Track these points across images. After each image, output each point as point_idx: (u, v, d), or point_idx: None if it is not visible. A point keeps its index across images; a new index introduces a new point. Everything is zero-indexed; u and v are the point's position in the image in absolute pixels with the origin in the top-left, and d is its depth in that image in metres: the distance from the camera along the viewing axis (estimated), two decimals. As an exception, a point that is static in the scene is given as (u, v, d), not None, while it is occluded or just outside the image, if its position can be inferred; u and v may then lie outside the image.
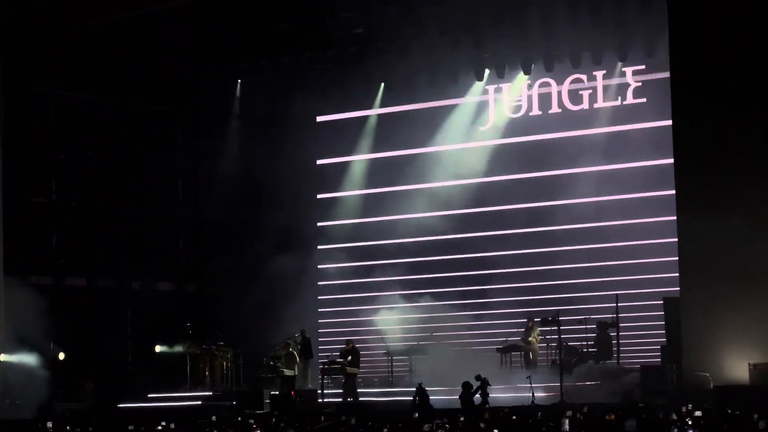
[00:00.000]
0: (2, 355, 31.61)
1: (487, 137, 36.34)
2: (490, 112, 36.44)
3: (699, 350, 27.20)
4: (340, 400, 31.52)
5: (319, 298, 38.36)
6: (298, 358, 32.56)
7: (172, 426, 21.98)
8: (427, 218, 36.46)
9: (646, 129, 33.39)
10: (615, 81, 34.47)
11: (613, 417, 17.55)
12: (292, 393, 29.90)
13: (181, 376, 34.40)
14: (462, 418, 20.52)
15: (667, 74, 29.42)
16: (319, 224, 38.61)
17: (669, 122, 29.13)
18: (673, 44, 28.68)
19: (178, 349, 35.06)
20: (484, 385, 26.78)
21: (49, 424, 21.78)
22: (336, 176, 38.43)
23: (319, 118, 38.31)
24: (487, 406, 26.11)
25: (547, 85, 35.44)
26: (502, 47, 34.05)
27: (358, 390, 32.38)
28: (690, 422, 17.27)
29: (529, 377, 28.59)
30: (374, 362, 35.59)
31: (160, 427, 21.75)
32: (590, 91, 34.91)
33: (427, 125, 36.74)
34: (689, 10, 28.04)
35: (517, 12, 32.12)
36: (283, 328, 34.04)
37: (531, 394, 27.68)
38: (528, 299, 34.48)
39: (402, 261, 36.59)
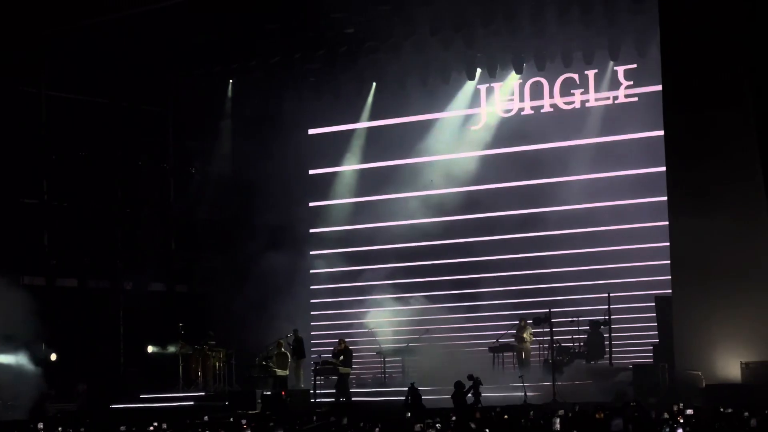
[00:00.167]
0: (-6, 356, 31.61)
1: (479, 137, 36.32)
2: (481, 111, 36.42)
3: (691, 349, 27.18)
4: (333, 399, 31.47)
5: (311, 301, 38.28)
6: (290, 358, 32.54)
7: (164, 426, 21.99)
8: (420, 218, 36.45)
9: (637, 128, 33.33)
10: (607, 80, 34.47)
11: (602, 416, 17.57)
12: (283, 393, 29.86)
13: (173, 377, 34.35)
14: (453, 418, 20.52)
15: (658, 73, 29.37)
16: (311, 229, 38.58)
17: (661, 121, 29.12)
18: (664, 43, 28.67)
19: (171, 349, 35.00)
20: (476, 384, 26.77)
21: (40, 425, 21.76)
22: (327, 177, 38.39)
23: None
24: (480, 405, 26.10)
25: (539, 84, 35.43)
26: (494, 46, 34.06)
27: (351, 390, 32.35)
28: (681, 421, 17.29)
29: (521, 377, 28.60)
30: (367, 362, 35.58)
31: (152, 428, 21.74)
32: (582, 90, 34.90)
33: (419, 125, 36.69)
34: (680, 8, 28.04)
35: (508, 11, 32.08)
36: (275, 328, 34.01)
37: (523, 394, 27.68)
38: (520, 300, 34.48)
39: (395, 265, 36.48)
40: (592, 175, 34.20)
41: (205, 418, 23.29)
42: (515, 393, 28.10)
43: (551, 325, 30.34)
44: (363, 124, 37.84)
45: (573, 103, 35.12)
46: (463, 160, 36.22)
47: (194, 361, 34.51)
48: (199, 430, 21.90)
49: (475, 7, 32.15)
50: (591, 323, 31.85)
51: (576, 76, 34.85)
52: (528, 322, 32.38)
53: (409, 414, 23.32)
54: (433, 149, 36.59)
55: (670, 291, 28.47)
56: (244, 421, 21.67)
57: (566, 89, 35.11)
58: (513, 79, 35.61)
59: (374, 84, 37.08)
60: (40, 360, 32.12)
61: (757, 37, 27.08)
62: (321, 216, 38.48)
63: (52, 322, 32.44)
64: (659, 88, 29.26)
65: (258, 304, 35.13)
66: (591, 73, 34.68)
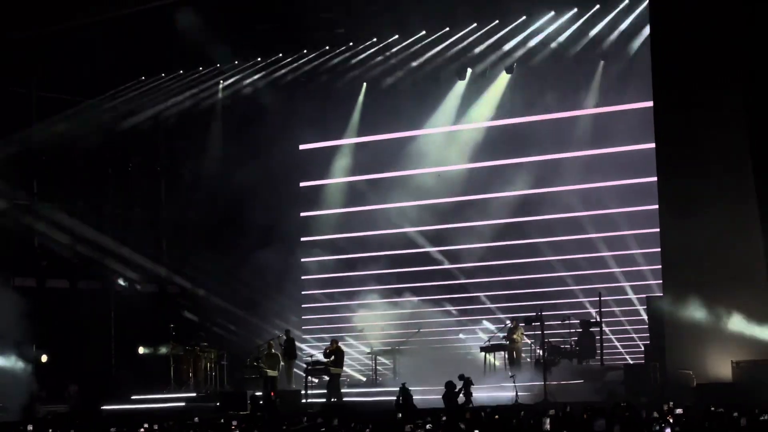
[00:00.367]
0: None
1: (470, 136, 36.29)
2: (472, 110, 36.40)
3: (682, 348, 27.20)
4: (324, 400, 31.43)
5: (303, 306, 38.23)
6: (281, 359, 32.50)
7: (155, 428, 21.93)
8: (411, 218, 36.40)
9: (630, 127, 33.34)
10: (597, 78, 34.48)
11: (586, 416, 17.57)
12: (273, 394, 29.81)
13: (164, 378, 34.30)
14: (444, 418, 20.49)
15: (649, 72, 29.37)
16: (301, 215, 38.43)
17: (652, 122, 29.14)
18: (654, 41, 28.69)
19: (162, 350, 34.96)
20: (467, 384, 26.75)
21: (30, 427, 21.69)
22: (318, 185, 38.36)
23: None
24: (471, 405, 26.08)
25: (530, 83, 35.40)
26: (484, 46, 34.03)
27: (342, 390, 32.32)
28: (671, 420, 17.28)
29: (512, 376, 28.59)
30: (359, 362, 35.57)
31: (142, 429, 21.68)
32: (573, 88, 34.88)
33: (410, 125, 36.67)
34: (670, 5, 28.05)
35: (499, 9, 32.13)
36: (266, 329, 33.99)
37: (515, 394, 27.68)
38: (512, 302, 34.50)
39: (389, 271, 36.46)
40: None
41: (196, 419, 23.21)
42: (506, 393, 28.08)
43: (542, 326, 30.36)
44: (353, 122, 37.78)
45: (565, 102, 35.08)
46: (453, 158, 36.20)
47: (185, 362, 34.47)
48: (191, 431, 21.84)
49: (466, 6, 32.15)
50: (582, 323, 31.85)
51: (568, 75, 34.83)
52: (520, 323, 32.37)
53: (400, 414, 23.30)
54: (423, 150, 36.54)
55: (662, 292, 28.51)
56: (234, 422, 21.59)
57: (557, 88, 35.07)
58: (503, 79, 35.58)
59: (365, 84, 37.03)
60: (30, 361, 32.04)
61: (750, 39, 27.07)
62: (312, 212, 38.35)
63: (43, 323, 32.35)
64: (650, 89, 29.26)
65: (249, 305, 35.09)
66: (582, 74, 34.65)
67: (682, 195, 27.71)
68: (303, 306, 38.22)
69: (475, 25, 33.78)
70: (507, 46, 34.15)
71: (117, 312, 36.11)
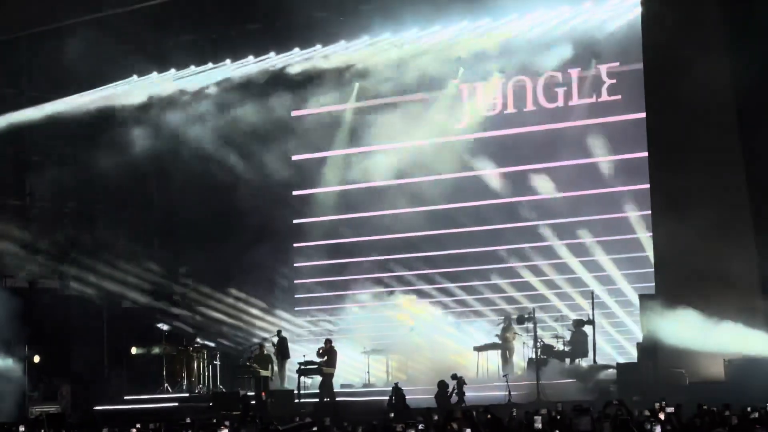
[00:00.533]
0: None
1: (462, 136, 36.25)
2: (464, 110, 36.38)
3: (674, 347, 27.20)
4: (317, 400, 31.40)
5: (296, 309, 38.16)
6: (274, 359, 32.45)
7: (147, 428, 21.93)
8: (402, 218, 36.36)
9: (621, 125, 33.36)
10: (590, 78, 34.48)
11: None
12: (263, 394, 29.76)
13: (157, 378, 34.25)
14: (436, 417, 20.50)
15: (641, 71, 29.39)
16: (295, 221, 38.40)
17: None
18: (646, 40, 28.69)
19: (155, 350, 34.91)
20: (460, 384, 26.76)
21: (22, 428, 21.67)
22: (311, 175, 38.30)
23: (294, 113, 38.12)
24: (464, 405, 26.08)
25: (522, 82, 35.42)
26: (476, 45, 34.03)
27: (335, 390, 32.27)
28: (662, 417, 17.29)
29: (505, 375, 28.59)
30: (352, 362, 35.54)
31: (134, 430, 21.67)
32: (565, 88, 34.89)
33: (402, 124, 36.63)
34: (661, 6, 28.06)
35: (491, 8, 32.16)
36: (259, 328, 33.96)
37: (507, 393, 27.67)
38: (504, 303, 34.54)
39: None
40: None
41: (188, 419, 23.20)
42: (499, 392, 28.08)
43: (535, 324, 30.36)
44: (346, 119, 37.70)
45: (556, 101, 35.08)
46: (447, 157, 36.17)
47: (178, 362, 34.40)
48: (183, 431, 21.85)
49: (458, 5, 32.16)
50: (575, 322, 31.84)
51: (559, 74, 34.83)
52: (512, 321, 32.37)
53: (392, 414, 23.31)
54: (415, 149, 36.53)
55: (654, 290, 28.55)
56: (227, 422, 21.57)
57: (549, 87, 35.08)
58: (496, 77, 35.57)
59: (357, 84, 37.00)
60: (23, 362, 32.00)
61: (741, 39, 27.09)
62: (304, 209, 38.29)
63: (36, 324, 32.30)
64: (642, 85, 29.26)
65: (242, 304, 35.05)
66: (574, 72, 34.65)
67: (674, 195, 27.73)
68: (296, 308, 38.14)
69: (467, 23, 33.75)
70: (499, 45, 34.15)
71: (110, 312, 36.01)
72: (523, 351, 32.38)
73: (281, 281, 37.27)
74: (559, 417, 19.05)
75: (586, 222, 33.72)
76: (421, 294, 35.58)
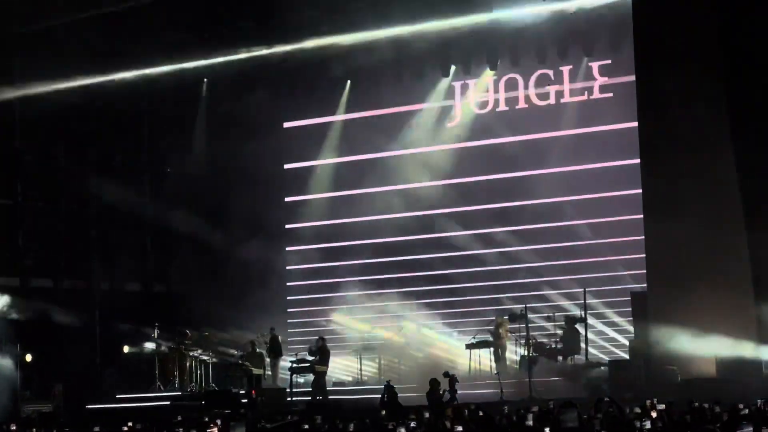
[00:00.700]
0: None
1: (454, 133, 36.29)
2: (456, 108, 36.42)
3: (667, 345, 27.23)
4: (309, 398, 31.40)
5: (289, 310, 38.17)
6: (266, 357, 32.43)
7: (139, 426, 21.94)
8: (396, 216, 36.40)
9: (613, 123, 33.34)
10: (581, 75, 34.50)
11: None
12: (254, 392, 29.75)
13: (150, 377, 34.24)
14: (427, 415, 20.52)
15: (632, 68, 29.38)
16: (287, 226, 38.45)
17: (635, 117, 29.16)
18: (637, 38, 28.71)
19: (147, 349, 34.89)
20: (452, 382, 26.74)
21: (14, 427, 21.67)
22: (303, 176, 38.32)
23: (287, 124, 38.16)
24: (456, 403, 26.07)
25: (514, 80, 35.45)
26: (468, 42, 34.05)
27: (328, 388, 32.27)
28: (654, 415, 17.32)
29: (497, 373, 28.60)
30: (344, 360, 35.56)
31: (126, 428, 21.69)
32: (557, 86, 34.92)
33: (394, 122, 36.67)
34: (653, 4, 28.08)
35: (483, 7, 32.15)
36: (251, 326, 33.95)
37: (500, 390, 27.69)
38: (495, 303, 34.57)
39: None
40: (567, 168, 34.17)
41: (179, 417, 23.20)
42: (492, 390, 28.09)
43: (527, 321, 30.37)
44: (338, 117, 37.67)
45: (548, 99, 35.11)
46: (438, 156, 36.17)
47: (171, 360, 34.38)
48: (174, 429, 21.83)
49: (450, 3, 32.17)
50: (567, 319, 31.86)
51: (551, 72, 34.88)
52: (504, 318, 32.38)
53: (384, 412, 23.31)
54: (408, 146, 36.53)
55: (646, 286, 28.57)
56: (219, 421, 21.57)
57: (541, 85, 35.12)
58: (488, 75, 35.60)
59: (348, 82, 37.00)
60: (15, 361, 31.97)
61: (733, 41, 27.11)
62: (297, 209, 38.29)
63: (28, 322, 32.25)
64: (633, 81, 29.26)
65: (234, 303, 35.04)
66: (565, 69, 34.70)
67: (666, 192, 27.76)
68: (289, 310, 38.14)
69: (459, 20, 33.75)
70: (491, 42, 34.15)
71: (101, 311, 35.98)
72: (515, 349, 32.43)
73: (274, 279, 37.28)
74: (550, 415, 19.04)
75: (580, 221, 33.79)
76: (412, 295, 35.54)
